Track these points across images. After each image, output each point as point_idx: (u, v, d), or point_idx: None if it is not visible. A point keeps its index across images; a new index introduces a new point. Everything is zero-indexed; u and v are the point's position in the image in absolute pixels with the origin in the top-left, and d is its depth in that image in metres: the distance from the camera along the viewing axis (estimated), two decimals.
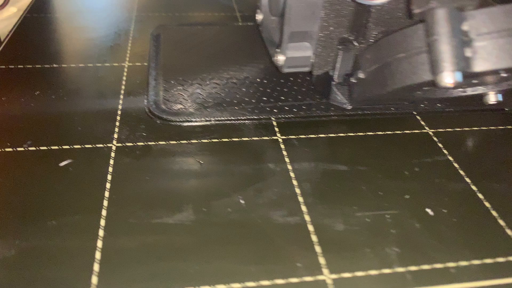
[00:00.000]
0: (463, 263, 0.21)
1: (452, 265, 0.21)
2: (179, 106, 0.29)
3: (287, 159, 0.26)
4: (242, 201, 0.23)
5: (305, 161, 0.26)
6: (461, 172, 0.27)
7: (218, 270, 0.20)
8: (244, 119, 0.29)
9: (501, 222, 0.23)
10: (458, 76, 0.20)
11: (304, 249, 0.21)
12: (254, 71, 0.34)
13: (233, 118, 0.29)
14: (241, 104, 0.30)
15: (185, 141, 0.27)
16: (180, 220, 0.22)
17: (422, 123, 0.31)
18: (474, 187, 0.26)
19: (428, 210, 0.24)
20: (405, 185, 0.25)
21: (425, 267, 0.21)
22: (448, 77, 0.20)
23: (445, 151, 0.28)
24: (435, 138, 0.29)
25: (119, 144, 0.26)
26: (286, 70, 0.28)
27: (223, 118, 0.29)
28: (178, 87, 0.31)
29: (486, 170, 0.27)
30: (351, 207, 0.24)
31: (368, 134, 0.29)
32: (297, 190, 0.24)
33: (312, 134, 0.29)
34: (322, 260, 0.21)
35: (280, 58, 0.28)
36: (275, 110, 0.30)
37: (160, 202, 0.23)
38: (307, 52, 0.28)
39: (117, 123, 0.28)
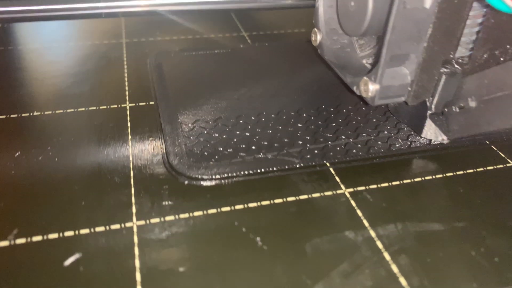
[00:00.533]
0: None
1: None
2: (209, 157, 0.23)
3: (365, 222, 0.20)
4: None
5: (389, 223, 0.20)
6: None
7: None
8: (295, 168, 0.23)
9: None
10: None
11: None
12: (288, 101, 0.28)
13: (280, 168, 0.23)
14: (284, 147, 0.24)
15: (227, 208, 0.20)
16: None
17: (501, 154, 0.25)
18: None
19: None
20: None
21: None
22: None
23: None
24: None
25: (141, 222, 0.19)
26: (378, 103, 0.22)
27: (270, 169, 0.22)
28: (202, 131, 0.25)
29: None
30: (471, 286, 0.18)
31: (447, 176, 0.23)
32: (394, 268, 0.18)
33: (385, 182, 0.22)
34: None
35: (372, 88, 0.22)
36: (330, 153, 0.24)
37: None
38: (405, 79, 0.22)
39: (133, 190, 0.21)
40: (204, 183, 0.22)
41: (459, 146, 0.25)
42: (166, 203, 0.20)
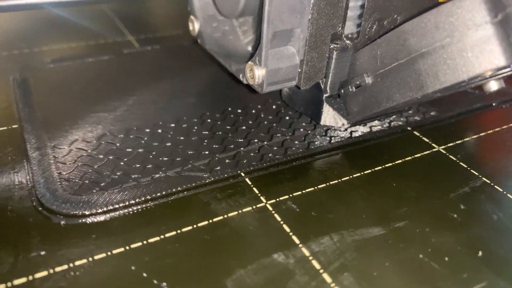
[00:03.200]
0: None
1: None
2: (92, 185, 0.18)
3: (295, 239, 0.16)
4: None
5: (323, 235, 0.17)
6: (510, 196, 0.19)
7: None
8: (204, 185, 0.19)
9: None
10: None
11: None
12: (187, 107, 0.24)
13: (186, 187, 0.18)
14: (188, 161, 0.20)
15: (120, 249, 0.15)
16: None
17: (426, 139, 0.23)
18: None
19: None
20: (465, 234, 0.17)
21: None
22: None
23: (475, 172, 0.21)
24: (452, 157, 0.22)
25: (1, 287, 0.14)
26: (268, 89, 0.19)
27: (173, 190, 0.18)
28: (82, 154, 0.20)
29: None
30: None
31: (376, 170, 0.21)
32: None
33: (310, 187, 0.19)
34: None
35: (258, 74, 0.18)
36: (243, 161, 0.20)
37: None
38: (293, 60, 0.19)
39: None
40: (86, 220, 0.17)
41: (381, 136, 0.23)
42: (36, 254, 0.15)
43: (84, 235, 0.16)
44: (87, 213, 0.17)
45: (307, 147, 0.21)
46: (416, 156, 0.22)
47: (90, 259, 0.15)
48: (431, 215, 0.18)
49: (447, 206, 0.19)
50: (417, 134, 0.24)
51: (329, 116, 0.22)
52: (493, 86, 0.21)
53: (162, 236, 0.16)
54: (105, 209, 0.17)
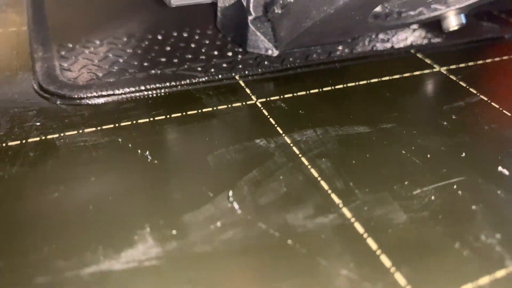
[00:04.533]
0: None
1: None
2: (88, 75, 0.19)
3: (279, 130, 0.17)
4: (235, 206, 0.13)
5: (307, 129, 0.17)
6: (507, 113, 0.19)
7: None
8: (198, 83, 0.19)
9: None
10: None
11: (367, 266, 0.12)
12: (192, 18, 0.24)
13: (179, 83, 0.19)
14: (185, 63, 0.20)
15: (110, 126, 0.16)
16: (133, 261, 0.12)
17: (428, 61, 0.23)
18: None
19: (503, 170, 0.16)
20: (452, 139, 0.17)
21: None
22: None
23: (473, 90, 0.21)
24: (452, 77, 0.22)
25: None
26: (177, 3, 0.19)
27: (167, 84, 0.19)
28: (83, 51, 0.20)
29: None
30: (402, 184, 0.15)
31: (372, 82, 0.21)
32: (314, 173, 0.15)
33: (302, 91, 0.19)
34: (401, 280, 0.12)
35: None
36: (239, 66, 0.20)
37: (87, 236, 0.12)
38: None
39: None
40: (81, 102, 0.17)
41: (382, 55, 0.23)
42: (32, 125, 0.16)
43: (77, 113, 0.17)
44: (82, 96, 0.17)
45: (305, 58, 0.21)
46: (415, 74, 0.22)
47: (81, 131, 0.16)
48: (420, 121, 0.18)
49: (439, 115, 0.19)
50: (420, 56, 0.23)
51: (256, 42, 0.21)
52: (452, 22, 0.20)
53: (151, 119, 0.17)
54: (99, 93, 0.18)
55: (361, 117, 0.18)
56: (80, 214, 0.13)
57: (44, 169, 0.14)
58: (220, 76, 0.20)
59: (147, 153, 0.15)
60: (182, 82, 0.19)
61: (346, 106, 0.19)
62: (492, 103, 0.20)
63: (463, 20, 0.21)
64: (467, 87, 0.21)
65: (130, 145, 0.15)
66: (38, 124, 0.16)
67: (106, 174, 0.14)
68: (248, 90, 0.19)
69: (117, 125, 0.16)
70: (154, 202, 0.13)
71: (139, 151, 0.15)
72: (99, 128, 0.16)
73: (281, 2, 0.18)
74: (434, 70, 0.22)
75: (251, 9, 0.20)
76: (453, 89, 0.21)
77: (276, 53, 0.21)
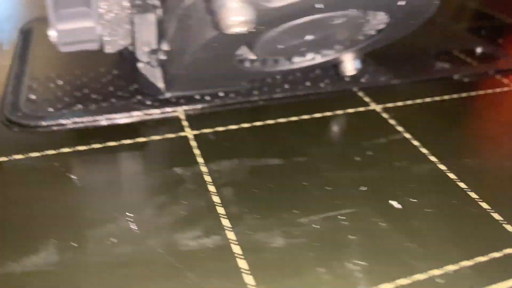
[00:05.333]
0: (451, 268, 0.15)
1: (438, 272, 0.15)
2: (48, 107, 0.22)
3: (200, 159, 0.19)
4: (133, 226, 0.16)
5: (226, 159, 0.19)
6: (423, 150, 0.21)
7: None
8: (143, 115, 0.22)
9: (484, 205, 0.18)
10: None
11: (231, 283, 0.14)
12: None
13: (126, 115, 0.22)
14: (136, 96, 0.23)
15: (52, 151, 0.19)
16: (34, 266, 0.14)
17: (366, 99, 0.25)
18: (442, 167, 0.20)
19: (393, 203, 0.18)
20: (359, 174, 0.19)
21: (403, 281, 0.15)
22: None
23: (399, 129, 0.22)
24: (384, 115, 0.23)
25: None
26: (64, 49, 0.20)
27: (113, 116, 0.21)
28: (49, 85, 0.23)
29: (450, 145, 0.22)
30: (292, 212, 0.17)
31: (302, 118, 0.23)
32: (215, 199, 0.17)
33: (235, 125, 0.22)
34: None
35: (51, 34, 0.19)
36: (181, 101, 0.23)
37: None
38: (87, 22, 0.19)
39: None
40: (37, 130, 0.20)
41: (322, 93, 0.25)
42: None
43: (28, 141, 0.20)
44: (33, 123, 0.20)
45: (248, 95, 0.24)
46: (348, 111, 0.24)
47: (26, 155, 0.19)
48: (334, 156, 0.20)
49: (356, 151, 0.21)
50: (361, 94, 0.25)
51: (149, 84, 0.22)
52: (348, 67, 0.21)
53: (89, 146, 0.20)
54: (47, 122, 0.20)
55: (279, 151, 0.20)
56: None
57: None
58: (165, 109, 0.22)
59: (74, 176, 0.18)
60: (131, 114, 0.22)
61: (271, 140, 0.21)
62: (412, 141, 0.21)
63: (358, 65, 0.23)
64: (394, 126, 0.23)
65: (56, 165, 0.18)
66: None
67: (32, 193, 0.17)
68: (185, 123, 0.22)
69: (58, 151, 0.19)
70: (65, 218, 0.16)
71: (69, 174, 0.18)
72: (41, 153, 0.19)
73: (164, 49, 0.20)
74: (369, 108, 0.24)
75: (139, 56, 0.21)
76: (380, 127, 0.23)
77: (169, 95, 0.22)
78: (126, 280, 0.14)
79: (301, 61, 0.22)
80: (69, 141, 0.20)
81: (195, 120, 0.22)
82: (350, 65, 0.21)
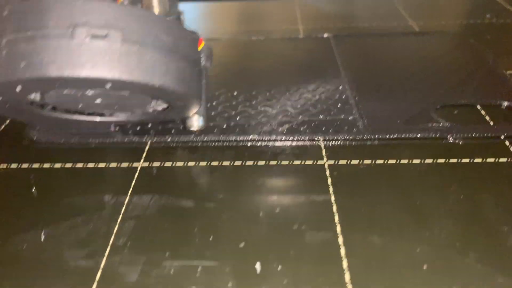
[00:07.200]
0: None
1: None
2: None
3: (128, 190, 0.23)
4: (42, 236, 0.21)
5: (147, 193, 0.23)
6: (336, 217, 0.21)
7: None
8: (112, 143, 0.27)
9: None
10: None
11: None
12: None
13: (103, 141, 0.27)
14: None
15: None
16: None
17: (324, 153, 0.25)
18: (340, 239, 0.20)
19: (258, 266, 0.19)
20: (248, 229, 0.21)
21: None
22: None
23: (330, 189, 0.23)
24: (327, 172, 0.24)
25: None
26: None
27: (86, 141, 0.27)
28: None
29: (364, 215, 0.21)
30: (163, 253, 0.20)
31: (236, 165, 0.25)
32: (115, 229, 0.21)
33: (180, 162, 0.25)
34: None
35: None
36: (151, 132, 0.27)
37: None
38: None
39: None
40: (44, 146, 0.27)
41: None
42: None
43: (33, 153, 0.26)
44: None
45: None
46: (295, 163, 0.25)
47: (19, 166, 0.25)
48: (242, 206, 0.22)
49: (269, 206, 0.22)
50: (322, 146, 0.26)
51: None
52: (194, 123, 0.25)
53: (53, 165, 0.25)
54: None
55: (198, 195, 0.23)
56: None
57: None
58: (132, 139, 0.27)
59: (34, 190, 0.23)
60: (107, 141, 0.27)
61: (199, 183, 0.24)
62: (334, 205, 0.22)
63: (201, 123, 0.25)
64: (328, 185, 0.23)
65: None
66: None
67: None
68: (144, 154, 0.26)
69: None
70: None
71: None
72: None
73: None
74: (319, 163, 0.25)
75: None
76: (314, 185, 0.23)
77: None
78: None
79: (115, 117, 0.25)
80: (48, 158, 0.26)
81: (155, 153, 0.26)
82: (194, 121, 0.25)
